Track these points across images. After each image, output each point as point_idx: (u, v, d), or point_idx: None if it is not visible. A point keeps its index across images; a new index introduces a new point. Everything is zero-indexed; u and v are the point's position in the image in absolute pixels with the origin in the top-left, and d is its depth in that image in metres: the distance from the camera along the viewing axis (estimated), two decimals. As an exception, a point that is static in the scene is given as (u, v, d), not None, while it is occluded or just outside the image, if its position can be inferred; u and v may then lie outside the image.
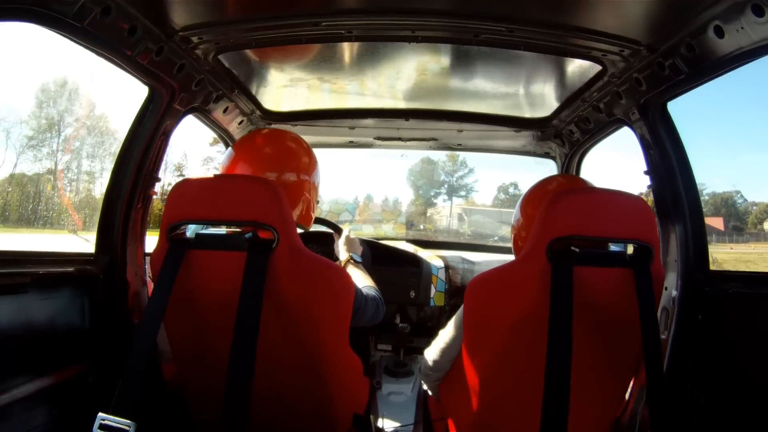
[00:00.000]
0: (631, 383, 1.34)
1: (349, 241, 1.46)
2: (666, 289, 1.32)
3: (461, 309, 1.11)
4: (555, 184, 1.20)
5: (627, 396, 1.35)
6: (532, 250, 0.97)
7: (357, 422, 1.34)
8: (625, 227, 0.98)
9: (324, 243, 1.81)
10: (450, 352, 1.18)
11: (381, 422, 1.67)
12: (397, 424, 1.75)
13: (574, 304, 0.91)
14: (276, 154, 1.15)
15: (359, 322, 1.13)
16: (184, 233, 1.02)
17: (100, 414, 0.87)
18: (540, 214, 0.99)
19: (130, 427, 0.86)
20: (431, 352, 1.26)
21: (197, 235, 1.00)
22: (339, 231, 1.56)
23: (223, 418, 0.86)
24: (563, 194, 1.00)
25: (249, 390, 0.87)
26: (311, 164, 1.18)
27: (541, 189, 1.21)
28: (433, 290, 2.14)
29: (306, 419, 1.11)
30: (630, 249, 1.04)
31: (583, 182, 1.22)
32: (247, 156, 1.13)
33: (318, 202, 1.24)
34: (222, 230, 1.08)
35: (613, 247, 1.11)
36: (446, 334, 1.20)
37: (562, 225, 0.95)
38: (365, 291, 1.20)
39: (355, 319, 1.09)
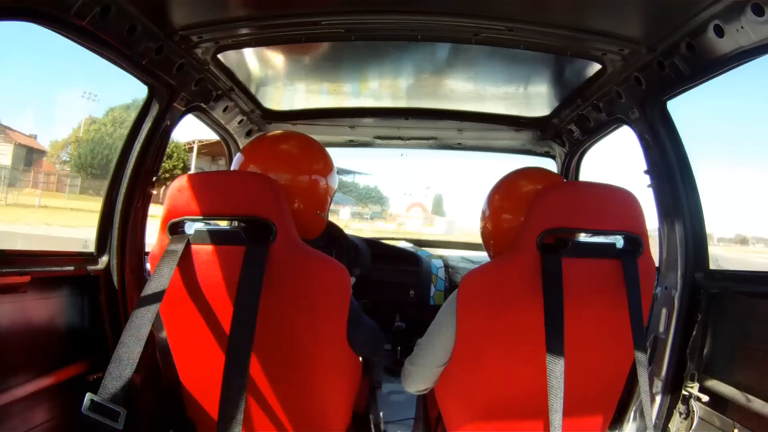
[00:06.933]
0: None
1: None
2: (666, 288, 1.32)
3: (448, 306, 1.09)
4: (519, 174, 1.20)
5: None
6: (522, 244, 0.98)
7: (356, 421, 1.34)
8: (613, 219, 0.99)
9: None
10: (437, 352, 1.11)
11: (380, 421, 1.68)
12: (397, 423, 1.75)
13: (565, 293, 0.92)
14: (287, 155, 1.13)
15: (354, 333, 1.09)
16: (184, 229, 1.02)
17: (89, 394, 0.84)
18: (529, 207, 1.00)
19: (120, 412, 0.84)
20: (415, 357, 1.18)
21: (196, 230, 1.00)
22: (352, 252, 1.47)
23: (220, 411, 0.85)
24: (553, 187, 1.01)
25: (244, 384, 0.86)
26: (326, 166, 1.16)
27: (505, 181, 1.21)
28: (432, 289, 2.14)
29: (306, 418, 1.11)
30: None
31: (546, 171, 1.21)
32: (256, 158, 1.11)
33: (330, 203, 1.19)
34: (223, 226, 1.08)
35: (603, 239, 1.11)
36: (433, 334, 1.13)
37: (551, 217, 0.96)
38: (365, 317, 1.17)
39: (351, 326, 1.07)
